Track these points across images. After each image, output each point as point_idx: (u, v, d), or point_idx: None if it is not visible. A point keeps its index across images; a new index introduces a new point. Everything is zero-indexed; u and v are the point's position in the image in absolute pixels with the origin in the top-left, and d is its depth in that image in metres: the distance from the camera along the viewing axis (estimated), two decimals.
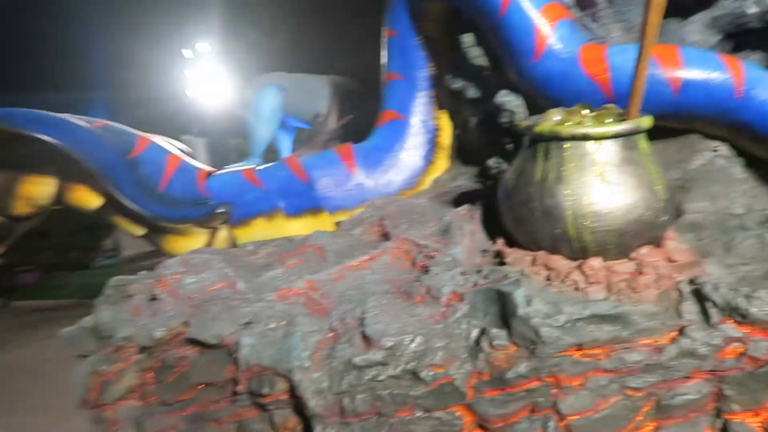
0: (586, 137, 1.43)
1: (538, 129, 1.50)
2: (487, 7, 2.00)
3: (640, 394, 1.31)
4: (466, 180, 2.29)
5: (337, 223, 2.28)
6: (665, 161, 1.91)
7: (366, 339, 1.36)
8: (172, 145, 2.62)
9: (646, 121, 1.48)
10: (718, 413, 1.31)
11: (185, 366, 1.47)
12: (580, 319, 1.29)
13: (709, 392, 1.30)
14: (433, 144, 2.48)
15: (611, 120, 1.51)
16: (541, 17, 1.93)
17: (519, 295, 1.32)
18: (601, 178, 1.42)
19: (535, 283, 1.42)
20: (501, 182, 1.63)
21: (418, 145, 2.47)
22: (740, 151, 1.85)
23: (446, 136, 2.49)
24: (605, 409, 1.30)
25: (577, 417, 1.29)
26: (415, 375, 1.31)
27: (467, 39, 2.19)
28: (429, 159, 2.47)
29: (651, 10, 1.39)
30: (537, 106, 1.99)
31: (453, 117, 2.48)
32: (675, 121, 1.83)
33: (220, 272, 1.66)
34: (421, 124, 2.48)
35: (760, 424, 1.29)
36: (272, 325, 1.44)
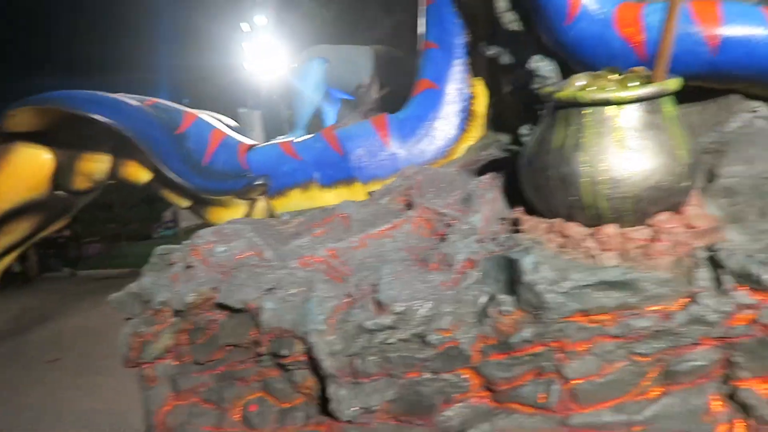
0: (606, 102, 1.40)
1: (558, 95, 1.48)
2: None
3: (647, 360, 1.31)
4: (499, 148, 2.28)
5: (370, 193, 2.33)
6: (702, 124, 1.85)
7: (378, 304, 1.41)
8: (218, 120, 2.74)
9: (672, 84, 1.43)
10: (726, 380, 1.29)
11: (215, 328, 1.58)
12: (587, 285, 1.30)
13: (717, 359, 1.29)
14: (467, 112, 2.47)
15: (636, 83, 1.46)
16: None
17: (527, 262, 1.33)
18: (620, 144, 1.39)
19: (547, 250, 1.42)
20: (522, 150, 1.62)
21: (452, 113, 2.46)
22: None
23: (481, 104, 2.47)
24: (610, 374, 1.31)
25: (582, 381, 1.31)
26: (423, 339, 1.35)
27: (502, 4, 2.15)
28: (463, 128, 2.46)
29: None
30: (572, 71, 1.95)
31: (488, 84, 2.46)
32: (714, 81, 1.75)
33: (250, 241, 1.75)
34: (456, 92, 2.47)
35: None
36: (293, 291, 1.52)
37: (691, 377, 1.31)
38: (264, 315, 1.48)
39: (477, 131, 2.48)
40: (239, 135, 2.65)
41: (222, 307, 1.56)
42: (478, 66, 2.44)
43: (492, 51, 2.27)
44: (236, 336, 1.55)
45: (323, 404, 1.45)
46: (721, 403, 1.31)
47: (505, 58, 2.23)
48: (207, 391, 1.60)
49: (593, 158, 1.39)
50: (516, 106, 2.31)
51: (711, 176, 1.76)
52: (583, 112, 1.42)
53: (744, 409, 1.28)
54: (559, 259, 1.39)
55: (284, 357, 1.47)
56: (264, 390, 1.56)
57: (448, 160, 2.41)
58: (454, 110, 2.47)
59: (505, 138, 2.35)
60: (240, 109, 5.67)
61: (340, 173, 2.39)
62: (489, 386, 1.36)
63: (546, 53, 2.02)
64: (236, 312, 1.55)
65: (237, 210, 2.38)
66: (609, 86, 1.46)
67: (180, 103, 2.67)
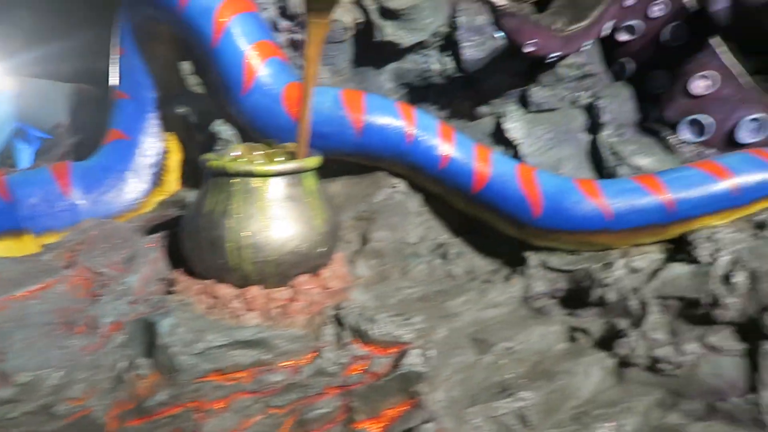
0: (251, 174, 1.54)
1: (210, 163, 1.58)
2: (200, 36, 2.05)
3: (283, 412, 1.44)
4: (183, 206, 2.31)
5: (44, 246, 2.15)
6: (358, 194, 2.13)
7: (1, 375, 1.30)
8: None
9: (311, 162, 1.64)
10: (347, 423, 1.49)
11: None
12: (222, 345, 1.39)
13: (339, 405, 1.47)
14: (160, 166, 2.46)
15: (281, 159, 1.64)
16: (252, 52, 2.03)
17: (163, 325, 1.37)
18: (264, 213, 1.54)
19: (195, 311, 1.49)
20: (184, 212, 1.68)
21: (143, 166, 2.43)
22: (418, 188, 2.12)
23: (175, 158, 2.49)
24: (249, 428, 1.40)
25: None
26: (50, 410, 1.29)
27: (186, 66, 2.23)
28: (155, 182, 2.44)
29: (308, 62, 1.55)
30: (249, 137, 2.09)
31: (182, 140, 2.49)
32: (361, 158, 2.04)
33: None
34: (149, 145, 2.45)
35: (381, 429, 1.48)
36: None
37: (319, 424, 1.47)
38: None
39: (170, 186, 2.48)
40: None
41: None
42: (173, 121, 2.46)
43: (181, 109, 2.32)
44: None
45: None
46: None
47: (193, 118, 2.30)
48: None
49: (239, 224, 1.51)
50: None
51: (364, 240, 2.04)
52: (231, 181, 1.54)
53: None
54: (203, 320, 1.46)
55: None
56: None
57: (138, 214, 2.36)
58: (146, 163, 2.44)
59: (194, 195, 2.40)
60: None
61: (6, 223, 2.16)
62: None
63: (226, 118, 2.14)
64: None
65: None
66: (258, 159, 1.61)
67: None
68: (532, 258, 2.03)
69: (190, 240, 1.60)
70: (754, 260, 1.69)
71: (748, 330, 1.66)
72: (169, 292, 1.58)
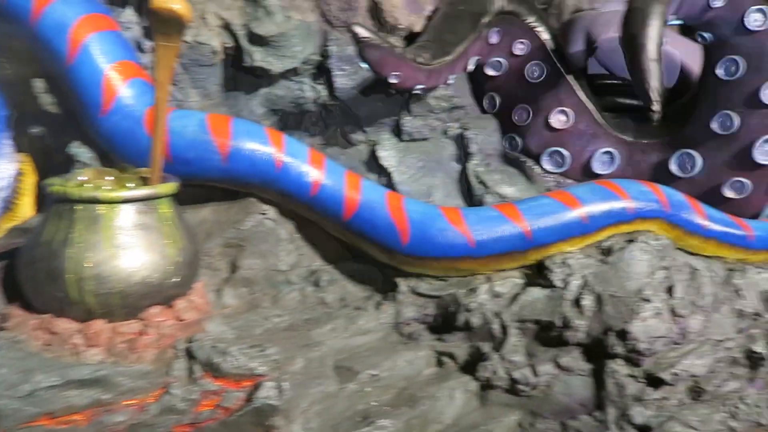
0: (95, 200, 1.45)
1: (50, 189, 1.47)
2: (55, 53, 1.93)
3: None
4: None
5: None
6: (227, 221, 2.06)
7: None
8: None
9: (165, 188, 1.57)
10: None
11: None
12: (53, 386, 1.28)
13: None
14: (12, 190, 2.28)
15: (133, 184, 1.56)
16: (112, 72, 1.93)
17: None
18: (109, 242, 1.45)
19: (27, 349, 1.37)
20: (22, 241, 1.56)
21: None
22: (291, 214, 2.09)
23: (29, 181, 2.31)
24: None
25: None
26: None
27: (39, 84, 2.09)
28: (5, 206, 2.24)
29: (159, 86, 1.49)
30: (110, 161, 1.98)
31: (37, 162, 2.32)
32: (227, 184, 1.98)
33: None
34: None
35: None
36: None
37: None
38: None
39: (26, 210, 2.28)
40: None
41: None
42: (27, 142, 2.29)
43: (36, 129, 2.17)
44: None
45: None
46: None
47: (49, 139, 2.15)
48: None
49: (80, 254, 1.42)
50: None
51: (233, 268, 1.98)
52: (75, 207, 1.45)
53: None
54: (35, 359, 1.34)
55: None
56: None
57: None
58: None
59: None
60: None
61: None
62: None
63: (85, 139, 2.02)
64: None
65: None
66: (105, 184, 1.52)
67: None
68: (402, 284, 2.05)
69: (26, 271, 1.48)
70: (599, 284, 1.80)
71: (594, 350, 1.76)
72: (1, 329, 1.44)
